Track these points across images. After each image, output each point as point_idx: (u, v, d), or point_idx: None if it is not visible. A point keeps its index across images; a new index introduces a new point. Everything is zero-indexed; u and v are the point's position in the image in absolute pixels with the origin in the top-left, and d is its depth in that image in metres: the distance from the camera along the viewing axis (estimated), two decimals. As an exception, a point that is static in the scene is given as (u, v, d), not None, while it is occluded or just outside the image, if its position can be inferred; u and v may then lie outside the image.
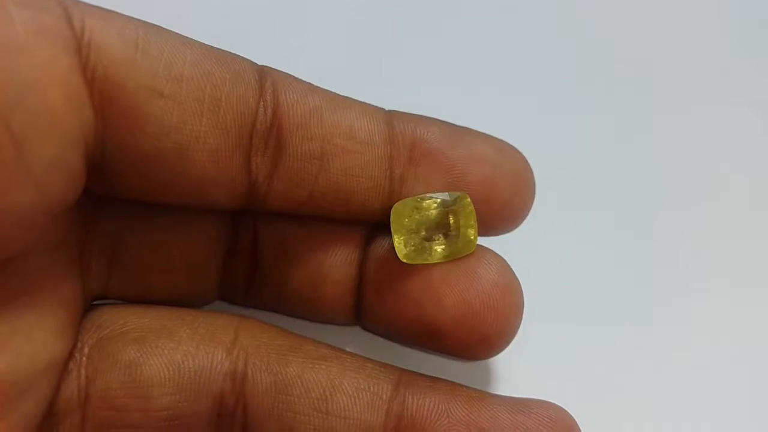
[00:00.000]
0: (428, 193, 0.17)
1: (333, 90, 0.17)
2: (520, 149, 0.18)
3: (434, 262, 0.17)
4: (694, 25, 0.26)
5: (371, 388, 0.16)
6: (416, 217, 0.16)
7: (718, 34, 0.26)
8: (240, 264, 0.19)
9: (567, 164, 0.24)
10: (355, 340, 0.20)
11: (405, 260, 0.17)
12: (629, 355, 0.21)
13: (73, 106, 0.13)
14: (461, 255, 0.17)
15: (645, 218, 0.23)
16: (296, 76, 0.17)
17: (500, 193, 0.17)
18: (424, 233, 0.16)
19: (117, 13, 0.14)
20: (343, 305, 0.18)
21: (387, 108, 0.18)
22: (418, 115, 0.17)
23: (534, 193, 0.18)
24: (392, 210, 0.16)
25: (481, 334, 0.17)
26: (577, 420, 0.16)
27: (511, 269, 0.17)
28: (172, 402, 0.16)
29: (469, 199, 0.16)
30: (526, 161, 0.18)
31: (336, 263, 0.18)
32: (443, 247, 0.17)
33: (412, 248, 0.16)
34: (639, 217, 0.23)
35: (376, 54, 0.25)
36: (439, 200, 0.16)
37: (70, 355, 0.16)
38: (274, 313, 0.19)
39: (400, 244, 0.16)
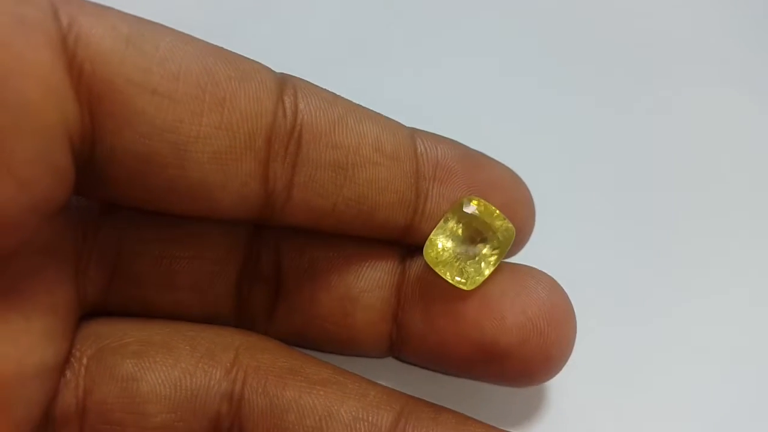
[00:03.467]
0: (439, 225, 0.16)
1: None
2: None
3: (492, 269, 0.16)
4: (694, 17, 0.26)
5: (370, 417, 0.15)
6: (448, 246, 0.16)
7: (721, 27, 0.26)
8: (260, 288, 0.17)
9: (559, 166, 0.24)
10: (387, 373, 0.18)
11: (471, 288, 0.16)
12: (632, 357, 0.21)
13: (54, 101, 0.13)
14: (509, 245, 0.16)
15: (647, 216, 0.23)
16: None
17: (518, 218, 0.17)
18: (465, 254, 0.16)
19: (113, 9, 0.14)
20: (378, 333, 0.17)
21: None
22: (439, 135, 0.17)
23: (535, 222, 0.18)
24: (425, 258, 0.16)
25: (544, 354, 0.16)
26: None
27: (561, 287, 0.16)
28: (167, 420, 0.15)
29: (475, 198, 0.16)
30: (529, 190, 0.18)
31: (368, 286, 0.17)
32: (489, 249, 0.16)
33: (467, 274, 0.16)
34: (641, 216, 0.23)
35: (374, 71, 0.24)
36: (455, 218, 0.16)
37: (67, 363, 0.15)
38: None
39: (455, 280, 0.16)
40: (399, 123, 0.17)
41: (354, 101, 0.16)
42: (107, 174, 0.14)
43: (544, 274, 0.16)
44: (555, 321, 0.16)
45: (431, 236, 0.16)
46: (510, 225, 0.16)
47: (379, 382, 0.17)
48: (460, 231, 0.16)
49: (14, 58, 0.12)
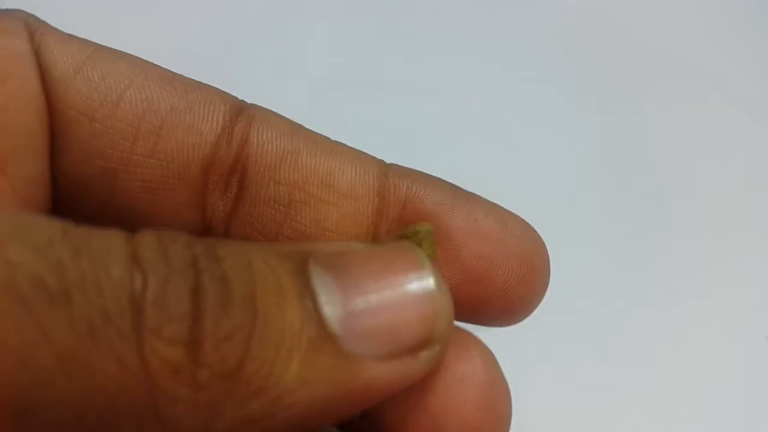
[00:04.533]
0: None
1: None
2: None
3: None
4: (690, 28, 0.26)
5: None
6: None
7: (717, 43, 0.26)
8: None
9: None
10: None
11: None
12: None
13: (43, 125, 0.13)
14: None
15: (648, 230, 0.23)
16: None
17: (498, 277, 0.15)
18: None
19: (72, 36, 0.14)
20: None
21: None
22: (420, 172, 0.16)
23: (547, 281, 0.15)
24: None
25: None
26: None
27: (495, 363, 0.15)
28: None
29: (431, 229, 0.14)
30: (539, 240, 0.15)
31: None
32: None
33: None
34: (641, 228, 0.23)
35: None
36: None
37: None
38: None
39: None
40: (371, 158, 0.15)
41: (323, 134, 0.15)
42: (55, 194, 0.15)
43: (476, 345, 0.15)
44: (474, 407, 0.14)
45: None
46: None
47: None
48: None
49: (13, 89, 0.13)
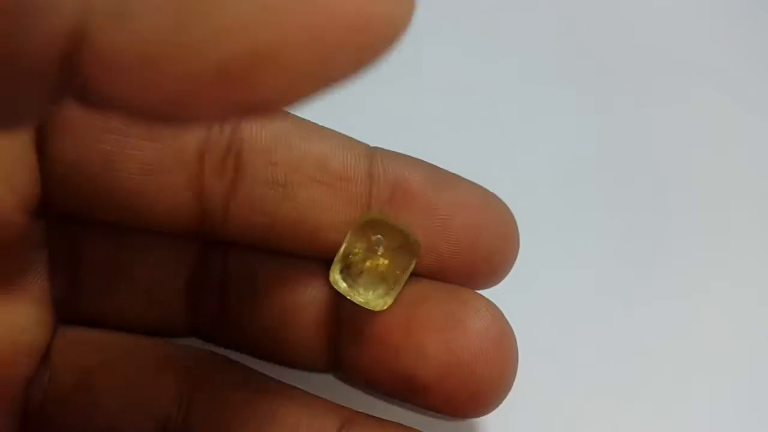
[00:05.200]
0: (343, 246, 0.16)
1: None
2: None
3: (399, 286, 0.15)
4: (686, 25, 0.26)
5: (316, 424, 0.15)
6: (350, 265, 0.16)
7: (718, 41, 0.25)
8: (208, 297, 0.18)
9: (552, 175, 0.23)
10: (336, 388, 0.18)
11: (381, 308, 0.15)
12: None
13: None
14: (413, 253, 0.15)
15: (642, 224, 0.22)
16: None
17: (485, 243, 0.16)
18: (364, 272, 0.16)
19: None
20: (314, 349, 0.17)
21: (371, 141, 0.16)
22: (404, 155, 0.16)
23: (518, 248, 0.16)
24: (331, 283, 0.16)
25: (469, 390, 0.15)
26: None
27: (503, 317, 0.15)
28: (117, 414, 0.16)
29: (371, 213, 0.15)
30: (511, 213, 0.16)
31: (303, 304, 0.16)
32: (384, 256, 0.16)
33: (369, 294, 0.16)
34: (636, 224, 0.22)
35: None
36: (352, 237, 0.15)
37: (47, 354, 0.16)
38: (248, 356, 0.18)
39: (360, 300, 0.15)
40: (357, 142, 0.16)
41: (308, 118, 0.16)
42: (49, 186, 0.15)
43: (484, 301, 0.15)
44: (484, 355, 0.15)
45: (335, 259, 0.15)
46: (408, 232, 0.15)
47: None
48: (356, 248, 0.16)
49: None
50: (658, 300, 0.21)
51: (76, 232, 0.17)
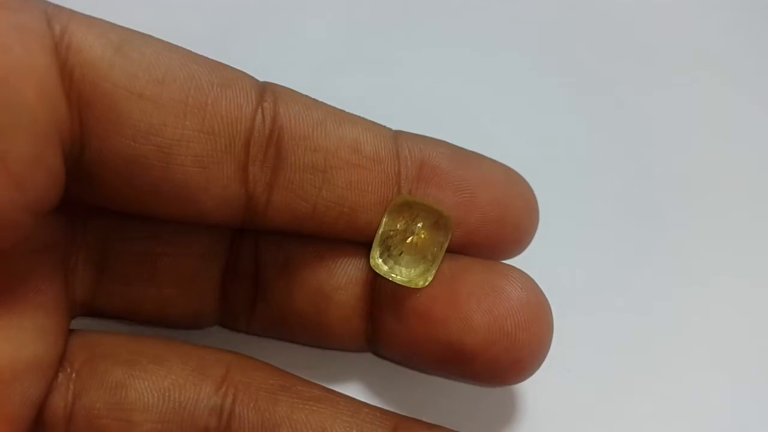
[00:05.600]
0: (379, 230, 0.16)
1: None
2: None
3: (438, 261, 0.16)
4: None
5: None
6: (390, 247, 0.16)
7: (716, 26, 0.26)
8: (241, 285, 0.18)
9: (559, 165, 0.23)
10: (369, 368, 0.18)
11: (425, 284, 0.16)
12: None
13: (48, 104, 0.13)
14: (447, 228, 0.16)
15: (649, 218, 0.23)
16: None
17: (511, 215, 0.17)
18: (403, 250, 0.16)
19: (102, 20, 0.14)
20: (352, 329, 0.17)
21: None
22: (425, 136, 0.17)
23: (538, 221, 0.17)
24: (372, 267, 0.16)
25: (512, 357, 0.16)
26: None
27: (538, 286, 0.16)
28: (153, 430, 0.15)
29: (402, 196, 0.16)
30: (531, 188, 0.17)
31: (341, 283, 0.17)
32: (422, 231, 0.16)
33: (410, 272, 0.16)
34: (642, 217, 0.23)
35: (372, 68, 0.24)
36: (388, 219, 0.16)
37: (60, 366, 0.15)
38: (279, 341, 0.18)
39: (404, 280, 0.16)
40: (382, 126, 0.17)
41: (337, 107, 0.16)
42: (95, 176, 0.14)
43: (519, 272, 0.16)
44: (525, 322, 0.15)
45: (374, 244, 0.16)
46: (440, 209, 0.16)
47: (359, 377, 0.18)
48: (393, 230, 0.16)
49: (12, 61, 0.12)
50: (664, 291, 0.21)
51: (107, 225, 0.17)
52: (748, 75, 0.25)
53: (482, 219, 0.16)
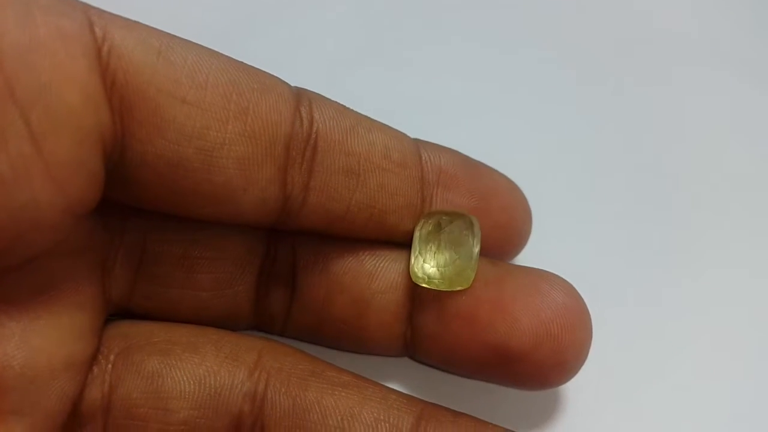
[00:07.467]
0: (413, 245, 0.17)
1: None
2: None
3: (476, 260, 0.16)
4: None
5: (391, 419, 0.16)
6: (428, 258, 0.17)
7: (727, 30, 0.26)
8: (277, 289, 0.18)
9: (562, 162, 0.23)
10: (404, 372, 0.18)
11: (467, 285, 0.16)
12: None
13: (90, 108, 0.13)
14: (477, 229, 0.16)
15: (654, 215, 0.23)
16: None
17: (516, 221, 0.18)
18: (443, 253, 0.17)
19: (142, 24, 0.14)
20: (391, 334, 0.17)
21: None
22: (438, 145, 0.18)
23: (531, 226, 0.19)
24: (414, 280, 0.17)
25: (558, 358, 0.16)
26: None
27: (576, 290, 0.16)
28: (190, 417, 0.16)
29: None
30: (525, 196, 0.19)
31: (382, 288, 0.17)
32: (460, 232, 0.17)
33: (454, 276, 0.16)
34: (648, 215, 0.23)
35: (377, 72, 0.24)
36: (421, 229, 0.17)
37: (95, 359, 0.16)
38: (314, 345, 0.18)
39: (447, 286, 0.16)
40: (403, 133, 0.17)
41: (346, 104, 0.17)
42: (136, 179, 0.14)
43: (560, 277, 0.16)
44: (569, 325, 0.16)
45: (411, 260, 0.17)
46: (464, 212, 0.17)
47: (395, 381, 0.18)
48: (428, 241, 0.17)
49: (56, 66, 0.13)
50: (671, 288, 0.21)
51: (145, 227, 0.17)
52: (756, 69, 0.25)
53: (494, 224, 0.17)
